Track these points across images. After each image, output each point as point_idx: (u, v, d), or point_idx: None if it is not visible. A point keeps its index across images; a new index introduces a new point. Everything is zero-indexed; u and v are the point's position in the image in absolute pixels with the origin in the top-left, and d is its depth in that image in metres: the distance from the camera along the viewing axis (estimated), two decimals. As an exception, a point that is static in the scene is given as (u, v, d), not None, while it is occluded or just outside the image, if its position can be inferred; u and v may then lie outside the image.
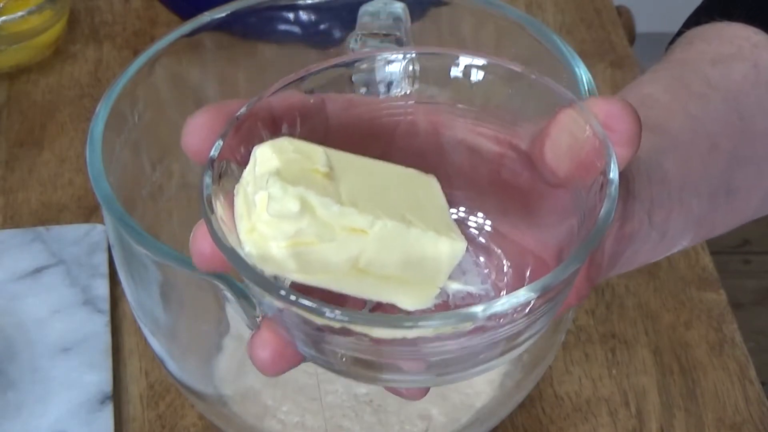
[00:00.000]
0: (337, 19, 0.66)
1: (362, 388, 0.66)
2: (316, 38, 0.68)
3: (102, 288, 0.75)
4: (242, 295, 0.51)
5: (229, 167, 0.41)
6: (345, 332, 0.38)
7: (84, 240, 0.78)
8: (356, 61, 0.44)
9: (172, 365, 0.64)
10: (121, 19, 0.97)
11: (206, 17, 0.62)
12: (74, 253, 0.77)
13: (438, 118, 0.45)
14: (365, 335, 0.38)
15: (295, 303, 0.37)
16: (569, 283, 0.41)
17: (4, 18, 0.89)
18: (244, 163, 0.41)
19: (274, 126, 0.43)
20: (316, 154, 0.40)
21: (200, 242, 0.41)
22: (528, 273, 0.44)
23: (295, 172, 0.39)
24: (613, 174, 0.40)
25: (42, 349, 0.72)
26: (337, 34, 0.66)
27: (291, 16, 0.67)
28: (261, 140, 0.41)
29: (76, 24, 0.96)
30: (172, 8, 0.96)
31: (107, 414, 0.69)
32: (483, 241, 0.45)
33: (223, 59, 0.66)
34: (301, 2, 0.66)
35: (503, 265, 0.45)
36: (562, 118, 0.42)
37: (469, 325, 0.38)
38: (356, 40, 0.60)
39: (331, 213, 0.38)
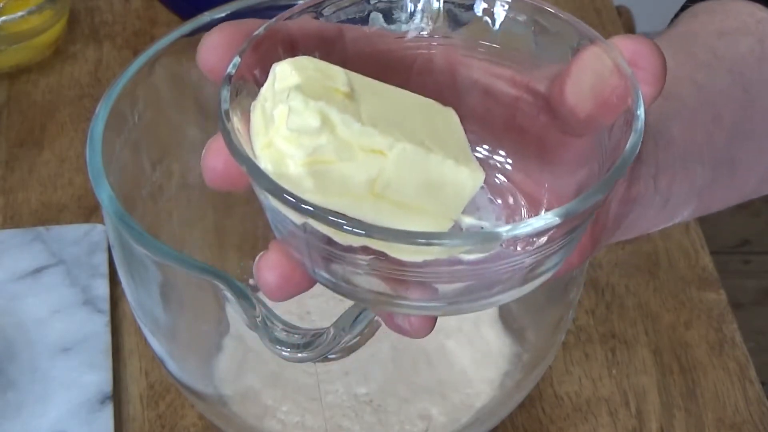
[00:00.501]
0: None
1: (362, 388, 0.66)
2: (316, 38, 0.68)
3: (102, 288, 0.75)
4: (242, 295, 0.51)
5: (245, 86, 0.40)
6: (363, 250, 0.37)
7: (84, 240, 0.78)
8: None
9: (172, 365, 0.64)
10: (121, 19, 0.97)
11: (206, 17, 0.62)
12: (74, 253, 0.77)
13: (455, 56, 0.44)
14: (382, 254, 0.37)
15: (314, 213, 0.36)
16: (590, 216, 0.40)
17: (4, 18, 0.89)
18: (260, 83, 0.40)
19: (291, 49, 0.42)
20: (337, 73, 0.40)
21: (213, 158, 0.40)
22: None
23: (316, 89, 0.38)
24: (640, 110, 0.40)
25: (42, 349, 0.72)
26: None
27: (291, 16, 0.67)
28: (279, 60, 0.40)
29: (76, 24, 0.96)
30: (172, 8, 0.96)
31: (107, 414, 0.69)
32: (498, 180, 0.45)
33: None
34: (301, 2, 0.66)
35: (517, 206, 0.44)
36: (586, 55, 0.42)
37: (491, 246, 0.37)
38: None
39: (352, 131, 0.37)
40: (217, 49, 0.41)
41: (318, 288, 0.75)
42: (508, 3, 0.43)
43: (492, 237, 0.37)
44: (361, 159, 0.38)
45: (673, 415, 0.71)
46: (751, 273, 1.77)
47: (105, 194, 0.54)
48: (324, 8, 0.43)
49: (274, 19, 0.42)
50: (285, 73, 0.39)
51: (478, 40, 0.44)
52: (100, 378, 0.70)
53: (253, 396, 0.66)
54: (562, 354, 0.73)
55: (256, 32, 0.41)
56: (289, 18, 0.42)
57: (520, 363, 0.66)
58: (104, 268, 0.76)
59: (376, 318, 0.53)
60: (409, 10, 0.44)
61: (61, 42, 0.94)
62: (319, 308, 0.70)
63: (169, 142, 0.66)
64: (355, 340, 0.50)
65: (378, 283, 0.40)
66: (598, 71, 0.42)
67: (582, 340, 0.74)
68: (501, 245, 0.37)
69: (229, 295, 0.51)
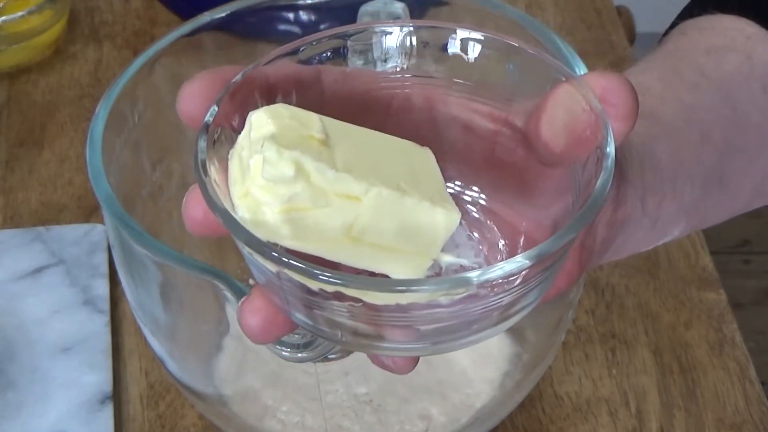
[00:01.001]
0: (337, 19, 0.66)
1: (362, 388, 0.66)
2: (316, 38, 0.68)
3: (102, 288, 0.75)
4: (242, 295, 0.51)
5: (223, 133, 0.41)
6: (338, 297, 0.38)
7: (84, 240, 0.78)
8: (353, 33, 0.44)
9: (172, 365, 0.64)
10: (121, 19, 0.97)
11: (206, 17, 0.62)
12: (74, 253, 0.77)
13: (433, 93, 0.45)
14: (358, 300, 0.38)
15: (289, 265, 0.37)
16: (563, 254, 0.40)
17: (4, 18, 0.89)
18: (238, 130, 0.41)
19: (269, 95, 0.42)
20: (312, 120, 0.40)
21: (192, 207, 0.41)
22: (520, 249, 0.44)
23: (291, 138, 0.39)
24: (610, 148, 0.40)
25: (42, 349, 0.72)
26: (337, 34, 0.66)
27: (291, 16, 0.67)
28: (256, 107, 0.41)
29: (76, 24, 0.96)
30: (172, 8, 0.96)
31: (107, 414, 0.69)
32: (477, 216, 0.45)
33: (223, 59, 0.66)
34: (301, 2, 0.66)
35: (496, 240, 0.45)
36: (559, 92, 0.42)
37: (463, 291, 0.38)
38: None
39: (326, 179, 0.38)
40: (196, 97, 0.42)
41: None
42: (481, 42, 0.44)
43: (463, 282, 0.37)
44: (336, 205, 0.38)
45: (673, 415, 0.71)
46: (751, 273, 1.77)
47: (105, 194, 0.54)
48: (301, 52, 0.43)
49: (251, 66, 0.42)
50: (261, 121, 0.40)
51: (454, 76, 0.44)
52: (100, 378, 0.70)
53: (253, 396, 0.66)
54: (562, 354, 0.73)
55: (234, 79, 0.42)
56: (268, 63, 0.43)
57: (520, 363, 0.66)
58: (104, 268, 0.76)
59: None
60: (384, 49, 0.44)
61: (61, 42, 0.94)
62: (319, 308, 0.70)
63: (169, 142, 0.66)
64: (355, 340, 0.50)
65: (357, 327, 0.40)
66: (571, 108, 0.42)
67: (582, 340, 0.74)
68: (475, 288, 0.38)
69: (229, 295, 0.51)
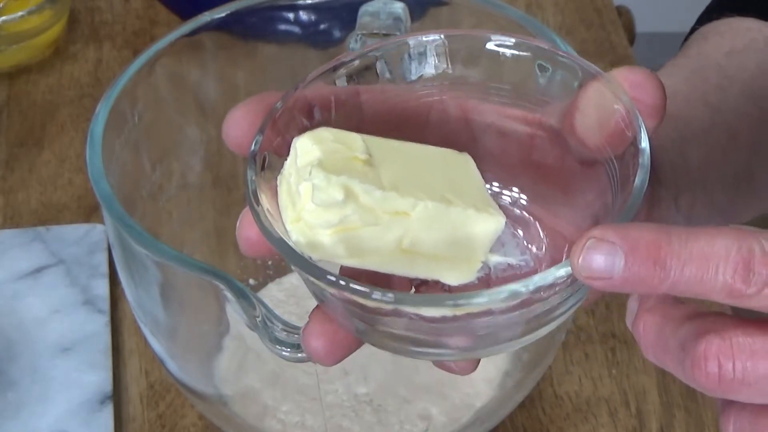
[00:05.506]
0: (337, 19, 0.66)
1: (362, 388, 0.66)
2: (316, 38, 0.68)
3: (102, 288, 0.75)
4: (242, 295, 0.51)
5: (269, 158, 0.42)
6: (396, 313, 0.39)
7: (84, 240, 0.78)
8: (387, 48, 0.45)
9: (172, 365, 0.64)
10: (121, 19, 0.97)
11: (206, 17, 0.62)
12: (74, 253, 0.77)
13: (467, 103, 0.46)
14: (416, 315, 0.39)
15: (346, 288, 0.38)
16: None
17: (4, 18, 0.89)
18: (283, 154, 0.42)
19: (309, 116, 0.44)
20: (355, 141, 0.42)
21: (247, 229, 0.43)
22: (566, 246, 0.44)
23: (337, 161, 0.41)
24: (644, 143, 0.40)
25: (42, 349, 0.72)
26: (337, 34, 0.66)
27: (291, 16, 0.67)
28: (298, 130, 0.42)
29: (76, 24, 0.96)
30: (172, 8, 0.96)
31: (107, 414, 0.69)
32: (518, 212, 0.46)
33: (223, 59, 0.66)
34: (301, 2, 0.66)
35: (539, 237, 0.45)
36: (589, 90, 0.43)
37: (516, 300, 0.39)
38: (356, 40, 0.60)
39: (374, 198, 0.40)
40: (241, 124, 0.44)
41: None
42: (510, 47, 0.44)
43: (515, 294, 0.38)
44: (386, 222, 0.40)
45: (673, 415, 0.71)
46: (751, 273, 1.76)
47: (105, 194, 0.54)
48: (337, 71, 0.45)
49: (290, 91, 0.43)
50: (306, 147, 0.41)
51: (486, 82, 0.45)
52: (100, 378, 0.71)
53: (253, 396, 0.66)
54: (562, 354, 0.73)
55: (275, 106, 0.43)
56: (306, 86, 0.44)
57: (520, 363, 0.66)
58: (104, 268, 0.76)
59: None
60: (417, 61, 0.45)
61: (61, 42, 0.94)
62: (319, 308, 0.70)
63: (169, 142, 0.66)
64: (354, 340, 0.50)
65: (418, 338, 0.41)
66: (602, 105, 0.42)
67: (582, 340, 0.74)
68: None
69: (229, 295, 0.51)
